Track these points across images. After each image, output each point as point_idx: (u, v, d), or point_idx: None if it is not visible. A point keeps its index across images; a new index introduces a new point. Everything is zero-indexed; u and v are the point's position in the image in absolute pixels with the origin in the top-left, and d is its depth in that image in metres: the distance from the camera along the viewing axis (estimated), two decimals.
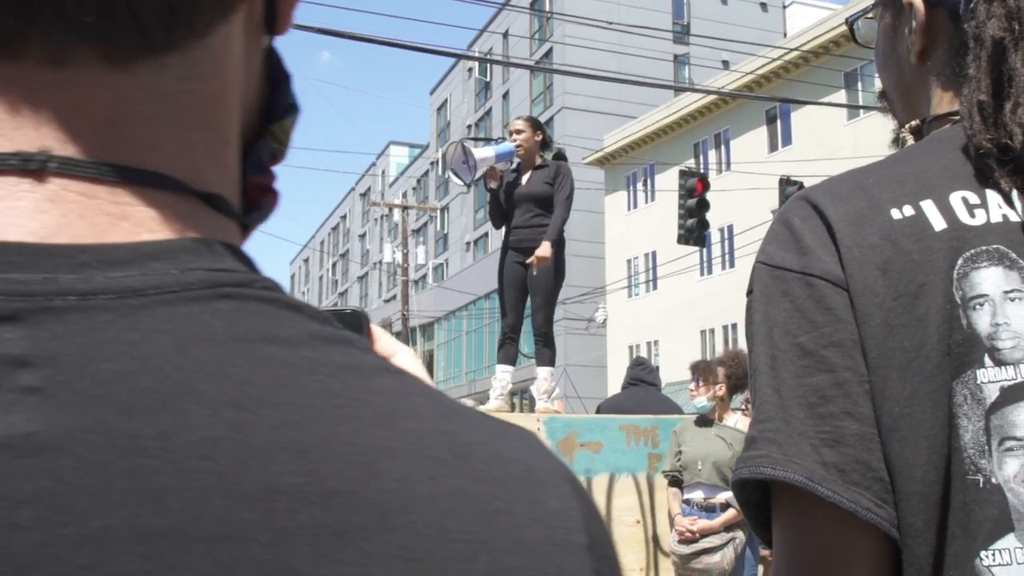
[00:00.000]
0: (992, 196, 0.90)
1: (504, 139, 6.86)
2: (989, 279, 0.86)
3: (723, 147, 32.06)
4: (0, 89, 0.39)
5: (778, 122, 29.66)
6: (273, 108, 0.51)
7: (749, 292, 0.97)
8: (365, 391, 0.39)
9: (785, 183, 16.55)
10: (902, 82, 1.09)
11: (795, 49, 26.39)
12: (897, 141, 1.11)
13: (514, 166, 6.66)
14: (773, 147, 29.76)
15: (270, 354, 0.38)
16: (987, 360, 0.85)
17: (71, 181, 0.39)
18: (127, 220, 0.39)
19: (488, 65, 48.21)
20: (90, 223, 0.39)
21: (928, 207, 0.90)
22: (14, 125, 0.39)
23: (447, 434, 0.40)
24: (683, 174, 16.71)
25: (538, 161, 6.45)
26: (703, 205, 16.24)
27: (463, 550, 0.36)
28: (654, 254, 34.19)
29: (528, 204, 6.43)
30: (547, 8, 41.77)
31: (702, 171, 21.16)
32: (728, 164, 31.34)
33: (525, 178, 6.47)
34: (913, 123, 1.07)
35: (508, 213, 6.55)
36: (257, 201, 0.51)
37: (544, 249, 6.21)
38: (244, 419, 0.36)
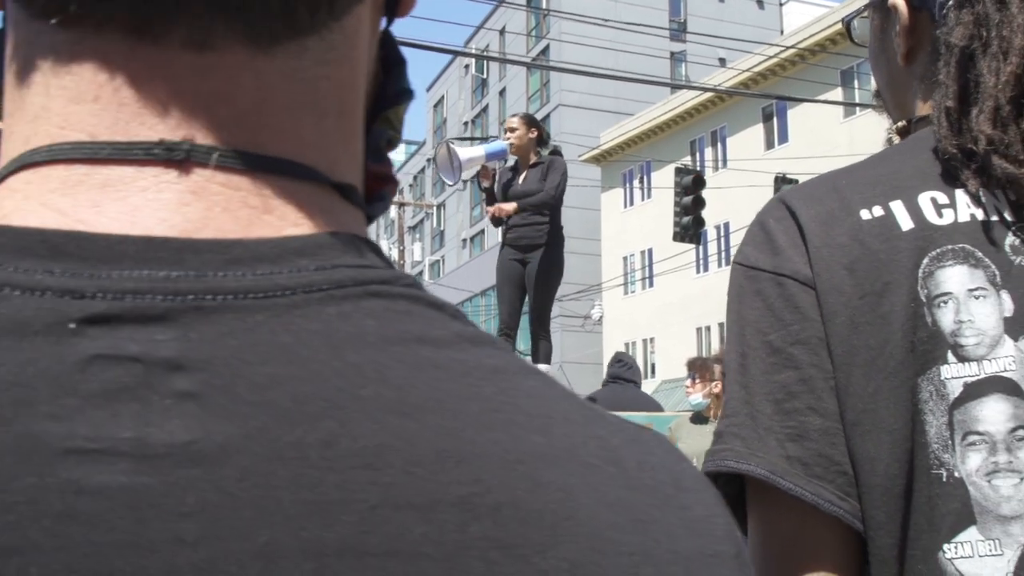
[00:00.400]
0: (961, 196, 0.92)
1: (497, 137, 6.87)
2: (954, 277, 0.88)
3: (719, 144, 32.07)
4: (141, 74, 0.37)
5: (774, 120, 29.69)
6: (387, 93, 0.49)
7: (728, 292, 1.00)
8: (516, 395, 0.38)
9: (781, 181, 16.56)
10: (892, 82, 1.10)
11: (791, 47, 26.40)
12: (890, 141, 1.12)
13: (510, 164, 6.67)
14: (769, 144, 29.79)
15: (424, 356, 0.36)
16: (950, 356, 0.87)
17: (214, 172, 0.37)
18: (270, 213, 0.38)
19: (485, 62, 48.16)
20: (234, 216, 0.37)
21: (897, 207, 0.92)
22: (154, 112, 0.37)
23: (598, 440, 0.38)
24: (679, 171, 16.73)
25: (534, 159, 6.46)
26: (699, 203, 16.25)
27: (627, 562, 0.35)
28: (650, 251, 34.22)
29: (522, 206, 6.45)
30: (544, 5, 41.74)
31: (698, 168, 21.18)
32: (724, 161, 31.37)
33: (521, 177, 6.50)
34: (899, 124, 1.09)
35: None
36: (379, 191, 0.49)
37: (508, 208, 6.23)
38: (406, 426, 0.34)
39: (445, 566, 0.32)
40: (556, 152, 6.66)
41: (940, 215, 0.91)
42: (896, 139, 1.09)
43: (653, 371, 33.01)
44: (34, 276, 0.34)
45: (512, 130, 6.43)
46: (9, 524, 0.29)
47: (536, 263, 6.51)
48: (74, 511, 0.30)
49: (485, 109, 49.03)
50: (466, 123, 50.14)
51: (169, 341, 0.33)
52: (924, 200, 0.92)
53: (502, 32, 45.57)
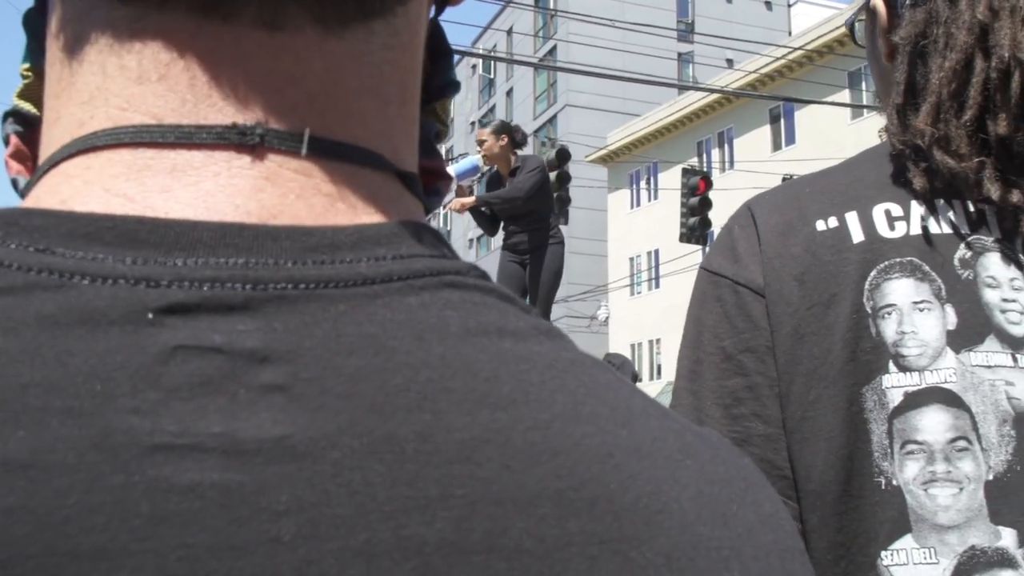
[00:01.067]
0: (916, 208, 0.93)
1: (467, 154, 6.90)
2: (899, 290, 0.89)
3: (726, 146, 32.04)
4: (209, 53, 0.35)
5: (781, 121, 29.64)
6: (434, 85, 0.48)
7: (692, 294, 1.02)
8: (597, 388, 0.37)
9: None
10: (881, 81, 1.11)
11: (799, 48, 26.37)
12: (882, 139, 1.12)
13: (484, 174, 6.68)
14: (776, 146, 29.74)
15: (506, 349, 0.36)
16: (892, 366, 0.88)
17: (288, 158, 0.36)
18: (344, 201, 0.37)
19: (492, 62, 48.16)
20: (308, 204, 0.36)
21: (851, 219, 0.93)
22: (223, 94, 0.35)
23: (675, 434, 0.38)
24: (686, 172, 16.73)
25: (514, 163, 6.47)
26: (705, 203, 16.26)
27: (717, 557, 0.34)
28: (657, 252, 34.18)
29: (513, 215, 6.51)
30: (551, 5, 41.73)
31: (705, 170, 21.16)
32: (731, 163, 31.33)
33: (505, 185, 6.53)
34: (883, 125, 1.08)
35: (497, 220, 6.61)
36: (433, 185, 0.48)
37: (467, 202, 6.28)
38: (499, 419, 0.33)
39: (547, 563, 0.31)
40: (564, 155, 6.69)
41: (892, 228, 0.92)
42: (885, 136, 1.09)
43: (659, 372, 32.98)
44: (105, 264, 0.32)
45: (481, 143, 6.46)
46: (97, 526, 0.28)
47: (532, 265, 6.55)
48: (165, 511, 0.29)
49: (492, 109, 49.00)
50: (473, 123, 50.12)
51: (252, 332, 0.32)
52: (878, 212, 0.93)
53: (509, 32, 45.55)
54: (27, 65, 0.45)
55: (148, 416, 0.30)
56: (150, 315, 0.31)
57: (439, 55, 0.48)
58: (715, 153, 32.43)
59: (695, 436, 0.39)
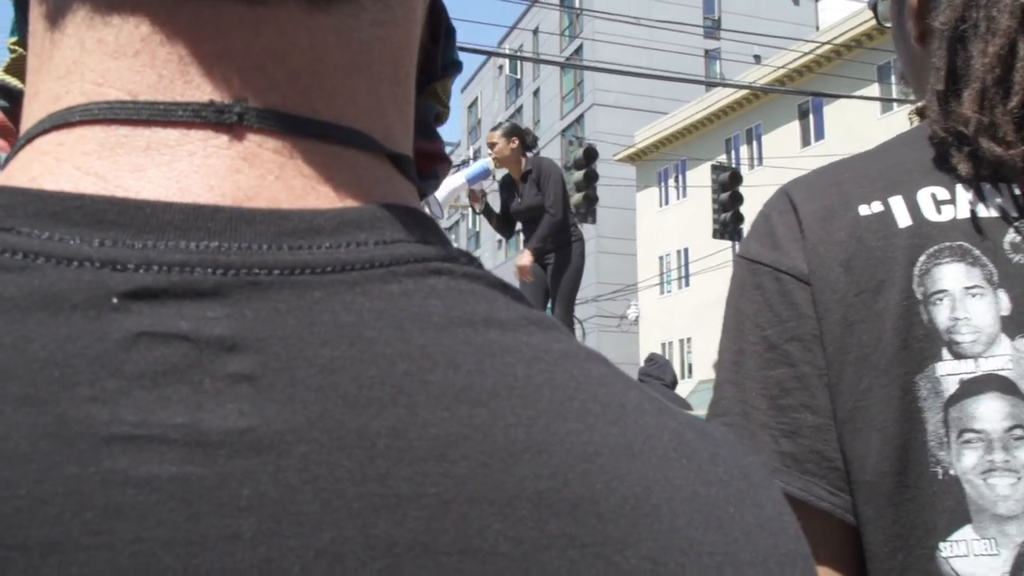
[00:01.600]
0: (962, 192, 0.91)
1: (477, 157, 6.93)
2: (949, 275, 0.87)
3: (755, 142, 31.84)
4: (188, 28, 0.34)
5: (810, 117, 29.43)
6: (435, 65, 0.46)
7: (731, 282, 1.00)
8: (588, 382, 0.35)
9: None
10: (911, 64, 1.09)
11: (827, 43, 26.17)
12: (911, 122, 1.10)
13: (496, 178, 6.67)
14: (806, 142, 29.53)
15: (492, 340, 0.34)
16: (945, 354, 0.86)
17: (267, 137, 0.35)
18: (326, 183, 0.35)
19: (518, 62, 48.19)
20: (288, 185, 0.34)
21: (896, 203, 0.91)
22: (202, 70, 0.34)
23: (671, 432, 0.36)
24: (715, 169, 16.70)
25: (525, 166, 6.44)
26: (737, 198, 16.21)
27: (709, 563, 0.33)
28: (686, 251, 34.06)
29: (528, 219, 6.53)
30: (577, 4, 41.70)
31: (734, 166, 21.06)
32: (760, 159, 31.14)
33: (520, 190, 6.50)
34: (918, 105, 1.07)
35: (512, 222, 6.63)
36: (430, 169, 0.46)
37: (524, 258, 6.28)
38: (479, 414, 0.32)
39: (523, 566, 0.30)
40: (592, 154, 6.69)
41: (939, 211, 0.90)
42: (916, 121, 1.07)
43: (690, 371, 32.85)
44: (70, 245, 0.31)
45: (492, 145, 6.43)
46: (48, 518, 0.27)
47: (553, 265, 6.55)
48: (119, 504, 0.28)
49: (520, 110, 49.04)
50: (500, 124, 50.17)
51: (221, 319, 0.31)
52: (923, 196, 0.91)
53: (536, 32, 45.54)
54: (14, 39, 0.44)
55: (107, 405, 0.29)
56: (115, 300, 0.30)
57: (440, 34, 0.46)
58: (743, 150, 32.24)
59: (695, 433, 0.37)
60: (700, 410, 6.68)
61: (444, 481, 0.30)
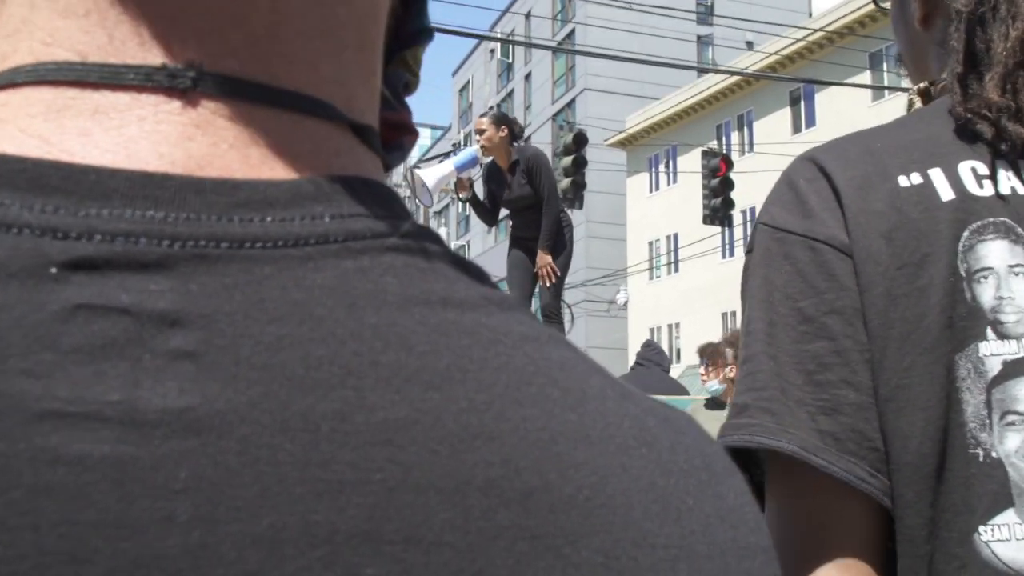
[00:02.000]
0: (1002, 167, 0.89)
1: (464, 146, 6.87)
2: (994, 252, 0.85)
3: (746, 129, 31.87)
4: None
5: (802, 103, 29.45)
6: (405, 32, 0.44)
7: (749, 251, 0.96)
8: (549, 366, 0.34)
9: None
10: (911, 46, 1.08)
11: (820, 29, 26.14)
12: (911, 104, 1.09)
13: (482, 165, 6.60)
14: (797, 129, 29.55)
15: (449, 320, 0.33)
16: (989, 333, 0.83)
17: (223, 104, 0.33)
18: (283, 153, 0.34)
19: (510, 46, 48.03)
20: (243, 154, 0.33)
21: (936, 176, 0.89)
22: (157, 32, 0.33)
23: (633, 419, 0.35)
24: (706, 154, 16.66)
25: (513, 156, 6.36)
26: (727, 184, 16.18)
27: (664, 556, 0.32)
28: (676, 236, 34.11)
29: (518, 209, 6.48)
30: None
31: (725, 152, 21.04)
32: (751, 146, 31.17)
33: (508, 182, 6.44)
34: (921, 85, 1.06)
35: (497, 210, 6.59)
36: (397, 140, 0.45)
37: (544, 258, 6.25)
38: (430, 398, 0.31)
39: (469, 557, 0.29)
40: (581, 139, 6.63)
41: (980, 186, 0.87)
42: (918, 101, 1.06)
43: (678, 356, 32.91)
44: (9, 210, 0.29)
45: (481, 132, 6.34)
46: None
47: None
48: (48, 484, 0.26)
49: (511, 94, 48.93)
50: (491, 108, 50.05)
51: (165, 292, 0.29)
52: (964, 169, 0.89)
53: (528, 16, 45.40)
54: None
55: (40, 379, 0.27)
56: (53, 270, 0.29)
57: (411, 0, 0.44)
58: (734, 136, 32.27)
59: (658, 421, 0.36)
60: (693, 396, 6.65)
61: (390, 467, 0.29)
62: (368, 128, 0.38)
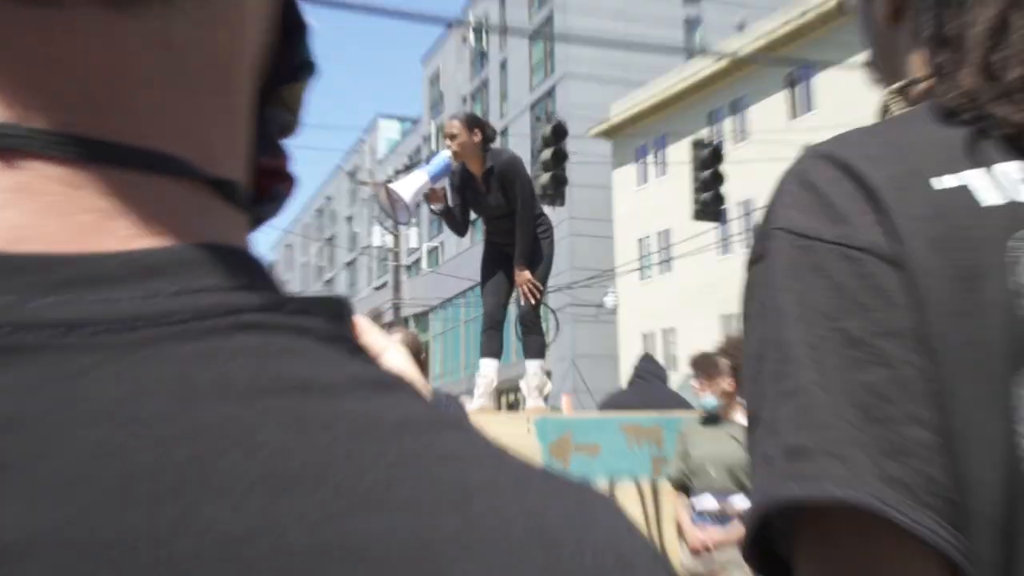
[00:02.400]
0: None
1: (435, 152, 6.73)
2: None
3: (739, 115, 31.90)
4: None
5: (799, 86, 29.49)
6: (284, 68, 0.43)
7: (757, 259, 0.86)
8: (428, 459, 0.31)
9: None
10: (879, 47, 1.08)
11: (815, 8, 26.18)
12: (885, 109, 1.03)
13: (455, 172, 6.48)
14: (794, 114, 29.60)
15: (308, 411, 0.30)
16: None
17: (51, 165, 0.31)
18: (119, 219, 0.32)
19: (484, 33, 47.98)
20: (71, 223, 0.31)
21: (974, 178, 0.82)
22: None
23: (529, 516, 0.32)
24: (696, 145, 16.59)
25: (487, 163, 6.23)
26: (718, 177, 16.13)
27: None
28: (667, 232, 34.08)
29: (493, 217, 6.41)
30: None
31: (717, 141, 21.01)
32: (745, 133, 31.18)
33: (481, 190, 6.34)
34: (900, 84, 1.01)
35: (467, 221, 6.54)
36: (271, 189, 0.43)
37: (522, 276, 6.19)
38: (276, 509, 0.28)
39: None
40: (560, 130, 6.50)
41: (1019, 191, 0.81)
42: (895, 104, 1.02)
43: (675, 364, 32.86)
44: None
45: (452, 137, 6.20)
46: None
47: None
48: None
49: (486, 83, 48.89)
50: (465, 98, 49.97)
51: None
52: (1002, 172, 0.82)
53: (502, 0, 45.33)
54: None
55: None
56: None
57: (291, 30, 0.43)
58: (728, 123, 32.29)
59: (563, 513, 0.33)
60: (687, 410, 6.53)
61: None
62: (229, 183, 0.36)
